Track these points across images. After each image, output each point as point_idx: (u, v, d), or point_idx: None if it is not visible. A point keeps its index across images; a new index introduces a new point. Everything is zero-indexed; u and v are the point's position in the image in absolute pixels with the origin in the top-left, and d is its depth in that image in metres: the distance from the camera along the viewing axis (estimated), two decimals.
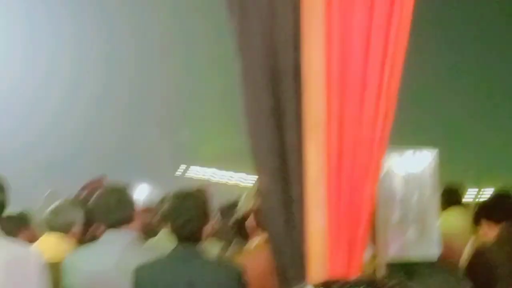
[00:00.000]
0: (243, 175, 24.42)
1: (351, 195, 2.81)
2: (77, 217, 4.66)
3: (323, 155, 2.80)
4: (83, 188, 8.12)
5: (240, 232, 5.96)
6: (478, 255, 3.81)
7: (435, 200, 3.26)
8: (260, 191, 2.97)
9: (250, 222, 4.36)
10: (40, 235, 4.89)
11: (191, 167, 27.84)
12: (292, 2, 2.86)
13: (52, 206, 4.69)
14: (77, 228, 4.65)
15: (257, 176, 2.96)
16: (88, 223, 4.82)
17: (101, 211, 4.02)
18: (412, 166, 3.20)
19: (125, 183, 4.39)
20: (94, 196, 4.18)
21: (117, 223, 3.92)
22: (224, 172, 27.81)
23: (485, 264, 3.72)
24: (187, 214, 3.57)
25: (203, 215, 3.62)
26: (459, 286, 3.48)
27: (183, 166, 27.50)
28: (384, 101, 2.81)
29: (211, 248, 4.88)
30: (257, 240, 4.19)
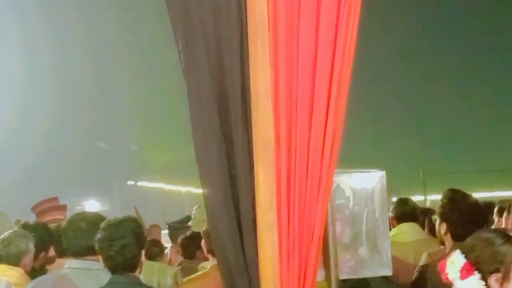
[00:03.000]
0: (192, 189, 24.29)
1: (302, 218, 2.80)
2: (29, 246, 4.55)
3: (273, 178, 2.78)
4: (35, 207, 8.00)
5: (187, 252, 5.91)
6: (422, 272, 3.83)
7: (385, 218, 3.28)
8: (209, 216, 2.93)
9: (203, 245, 4.31)
10: None
11: (138, 183, 27.64)
12: (238, 25, 2.85)
13: (3, 236, 4.56)
14: (28, 258, 4.53)
15: (206, 201, 2.93)
16: (39, 250, 4.72)
17: (70, 238, 3.89)
18: (361, 187, 3.21)
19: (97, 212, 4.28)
20: (64, 221, 4.07)
21: (84, 252, 3.79)
22: (172, 187, 27.67)
23: (426, 281, 3.73)
24: (121, 241, 3.48)
25: (138, 241, 3.54)
26: None
27: (131, 182, 27.27)
28: (331, 123, 2.81)
29: (165, 273, 4.82)
30: (209, 264, 4.15)
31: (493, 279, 2.70)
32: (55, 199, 8.45)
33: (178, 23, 2.95)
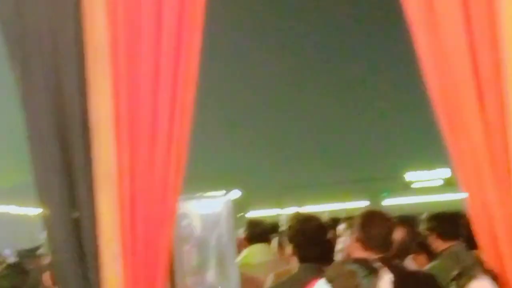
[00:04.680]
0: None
1: (147, 246, 2.75)
2: None
3: (116, 208, 2.72)
4: None
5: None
6: None
7: (232, 243, 3.28)
8: (52, 249, 2.81)
9: (46, 278, 4.13)
10: None
11: None
12: (76, 50, 2.76)
13: None
14: None
15: (48, 235, 2.81)
16: None
17: None
18: (208, 212, 3.20)
19: None
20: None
21: None
22: (20, 209, 26.30)
23: None
24: None
25: None
26: None
27: None
28: (175, 149, 2.79)
29: None
30: None
31: None
32: None
33: (14, 48, 2.82)
